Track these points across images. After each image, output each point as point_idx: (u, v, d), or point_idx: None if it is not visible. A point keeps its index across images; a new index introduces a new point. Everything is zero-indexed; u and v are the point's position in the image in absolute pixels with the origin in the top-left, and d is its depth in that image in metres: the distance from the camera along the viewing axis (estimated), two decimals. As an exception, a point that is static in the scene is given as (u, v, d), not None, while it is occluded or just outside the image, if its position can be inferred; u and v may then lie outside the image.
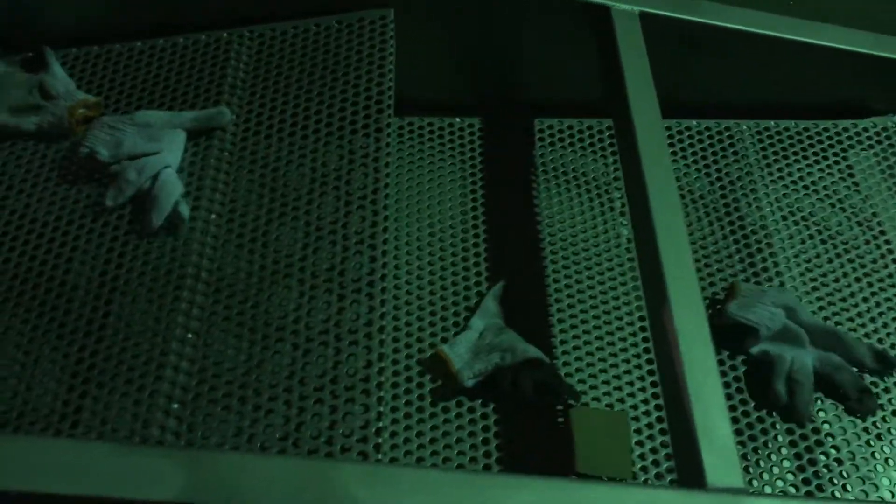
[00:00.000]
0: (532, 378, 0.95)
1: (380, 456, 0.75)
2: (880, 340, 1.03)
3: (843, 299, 1.06)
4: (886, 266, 1.10)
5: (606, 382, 0.98)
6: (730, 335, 1.00)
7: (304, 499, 0.63)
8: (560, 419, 0.95)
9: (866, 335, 1.03)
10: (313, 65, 1.07)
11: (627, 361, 1.00)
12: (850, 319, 1.04)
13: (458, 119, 1.23)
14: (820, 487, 0.91)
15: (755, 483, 0.91)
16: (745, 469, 0.92)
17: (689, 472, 0.74)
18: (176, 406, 0.78)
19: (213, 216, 0.94)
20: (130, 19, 1.12)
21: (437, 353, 0.97)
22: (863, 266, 1.09)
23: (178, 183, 0.94)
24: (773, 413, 0.96)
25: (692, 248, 1.08)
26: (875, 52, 1.17)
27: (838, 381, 0.97)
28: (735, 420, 0.95)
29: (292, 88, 1.06)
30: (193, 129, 1.00)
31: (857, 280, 1.08)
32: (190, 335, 0.83)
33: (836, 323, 1.04)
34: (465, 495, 0.65)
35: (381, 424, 0.76)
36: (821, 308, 1.05)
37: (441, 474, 0.67)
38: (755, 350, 0.99)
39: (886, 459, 0.94)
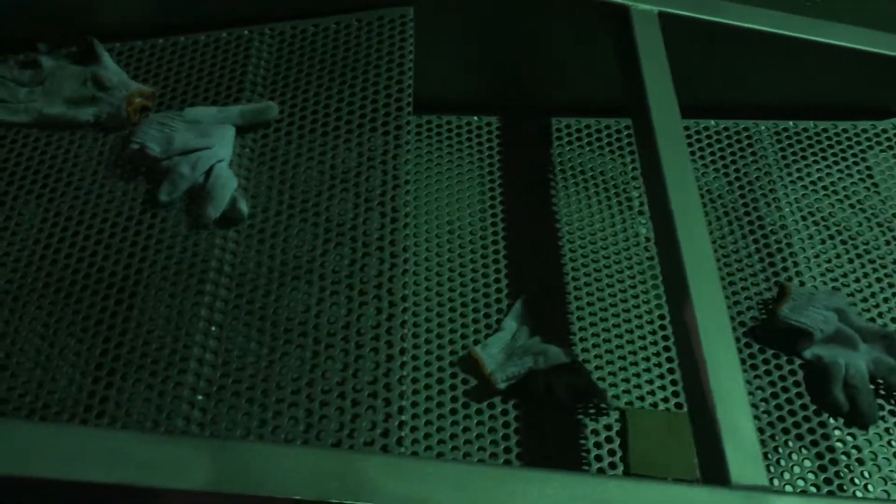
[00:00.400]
0: (566, 382, 0.95)
1: (402, 449, 0.75)
2: None
3: (864, 300, 1.06)
4: (903, 266, 1.09)
5: (626, 380, 0.98)
6: (776, 337, 1.00)
7: (330, 488, 0.63)
8: (583, 418, 0.95)
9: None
10: (333, 63, 1.08)
11: (647, 360, 1.00)
12: (872, 320, 1.04)
13: (476, 118, 1.23)
14: (841, 487, 0.91)
15: (776, 482, 0.91)
16: (767, 468, 0.92)
17: (714, 470, 0.73)
18: (200, 398, 0.78)
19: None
20: (151, 17, 1.13)
21: (470, 354, 0.97)
22: (883, 267, 1.09)
23: (233, 177, 0.95)
24: (798, 412, 0.96)
25: (711, 247, 1.08)
26: (893, 53, 1.17)
27: (893, 383, 0.96)
28: (756, 419, 0.95)
29: (312, 86, 1.06)
30: (242, 125, 1.01)
31: (878, 280, 1.08)
32: (213, 328, 0.83)
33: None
34: (489, 488, 0.65)
35: (403, 418, 0.76)
36: (840, 308, 1.05)
37: (466, 467, 0.67)
38: (808, 354, 0.99)
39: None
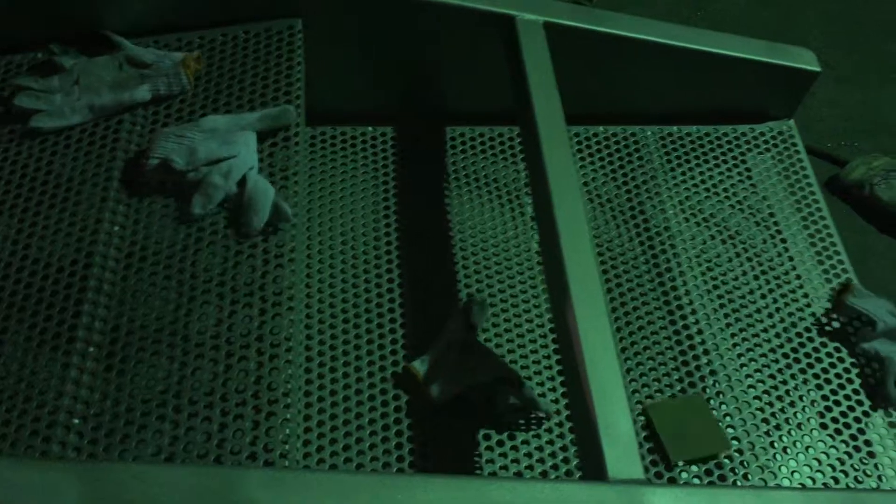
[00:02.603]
0: (507, 397, 0.96)
1: (286, 463, 0.75)
2: (777, 335, 1.07)
3: (742, 296, 1.10)
4: (783, 263, 1.14)
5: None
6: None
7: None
8: (475, 420, 0.96)
9: (764, 330, 1.07)
10: (220, 75, 1.07)
11: (538, 363, 1.02)
12: (749, 316, 1.08)
13: (370, 128, 1.24)
14: (722, 477, 0.94)
15: (664, 475, 0.94)
16: (653, 462, 0.95)
17: (592, 466, 0.76)
18: (77, 422, 0.76)
19: (117, 228, 0.92)
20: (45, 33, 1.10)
21: (408, 369, 0.97)
22: (760, 264, 1.14)
23: (268, 183, 0.94)
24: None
25: (599, 250, 1.12)
26: (770, 60, 1.23)
27: None
28: (641, 415, 0.98)
29: (198, 98, 1.05)
30: (261, 130, 1.00)
31: (756, 278, 1.12)
32: (92, 349, 0.82)
33: (736, 319, 1.08)
34: (370, 495, 0.66)
35: (287, 432, 0.76)
36: (721, 306, 1.09)
37: (345, 477, 0.67)
38: (867, 346, 1.03)
39: (784, 448, 0.98)
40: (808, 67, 1.24)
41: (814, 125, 1.87)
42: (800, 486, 0.94)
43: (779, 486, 0.93)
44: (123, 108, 1.03)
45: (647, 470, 0.94)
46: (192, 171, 0.94)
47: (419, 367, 0.98)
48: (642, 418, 0.98)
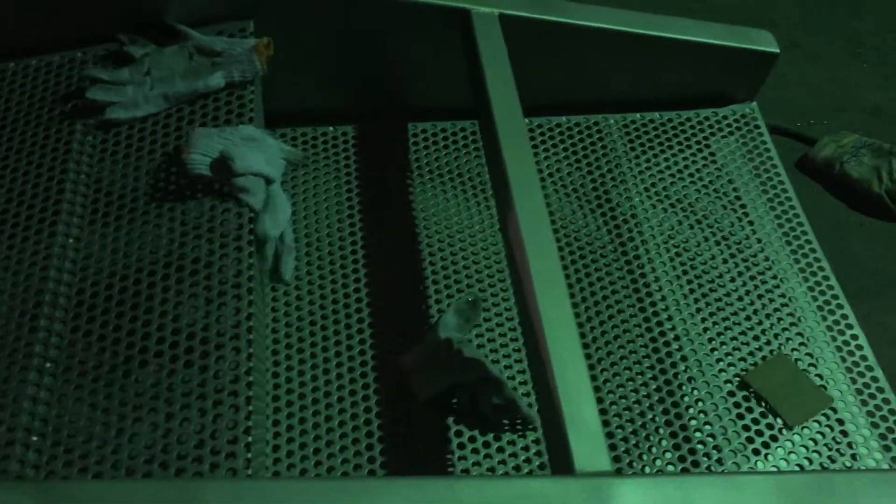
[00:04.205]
0: (492, 398, 0.95)
1: (249, 471, 0.74)
2: (748, 318, 1.07)
3: (711, 280, 1.10)
4: (751, 245, 1.14)
5: (488, 379, 0.99)
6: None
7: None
8: (457, 419, 0.95)
9: (734, 313, 1.07)
10: (175, 80, 1.05)
11: (508, 356, 1.01)
12: (719, 300, 1.08)
13: (331, 128, 1.23)
14: (695, 463, 0.94)
15: (635, 465, 0.93)
16: (626, 451, 0.95)
17: (559, 460, 0.75)
18: (35, 439, 0.75)
19: (75, 230, 0.91)
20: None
21: (395, 363, 0.97)
22: (728, 247, 1.14)
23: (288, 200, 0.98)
24: (648, 397, 0.99)
25: (567, 239, 1.11)
26: (729, 43, 1.23)
27: None
28: (612, 404, 0.98)
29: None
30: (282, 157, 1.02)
31: (724, 262, 1.12)
32: (48, 364, 0.80)
33: (706, 304, 1.08)
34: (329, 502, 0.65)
35: (249, 439, 0.75)
36: (691, 291, 1.09)
37: (305, 483, 0.66)
38: None
39: (757, 431, 0.97)
40: (768, 49, 1.24)
41: (783, 105, 1.87)
42: (774, 468, 0.94)
43: (751, 471, 0.93)
44: (197, 96, 1.02)
45: (617, 460, 0.93)
46: (236, 176, 0.94)
47: (406, 361, 0.97)
48: (742, 391, 1.00)
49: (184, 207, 0.93)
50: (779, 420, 0.98)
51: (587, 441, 0.74)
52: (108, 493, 0.62)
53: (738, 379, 1.01)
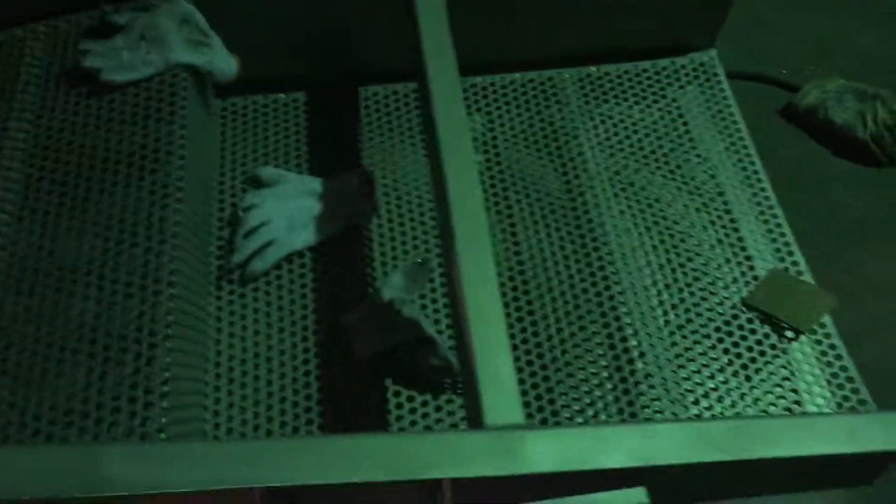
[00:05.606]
0: (429, 358, 0.96)
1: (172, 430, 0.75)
2: (705, 263, 1.06)
3: (667, 220, 1.11)
4: (710, 190, 1.14)
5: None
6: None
7: (69, 485, 0.63)
8: (398, 379, 0.97)
9: (689, 259, 1.07)
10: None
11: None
12: (675, 245, 1.08)
13: (283, 95, 1.22)
14: (633, 414, 0.94)
15: (586, 412, 0.93)
16: (577, 399, 0.94)
17: (473, 414, 0.76)
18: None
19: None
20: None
21: (338, 325, 0.98)
22: (689, 192, 1.13)
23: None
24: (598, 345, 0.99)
25: (527, 190, 1.11)
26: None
27: None
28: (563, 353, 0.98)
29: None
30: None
31: (685, 207, 1.12)
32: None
33: (662, 247, 1.07)
34: (235, 464, 0.66)
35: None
36: (644, 233, 1.09)
37: (207, 447, 0.67)
38: None
39: (697, 383, 0.97)
40: (722, -7, 1.21)
41: (768, 53, 1.84)
42: (694, 416, 0.94)
43: (666, 419, 0.93)
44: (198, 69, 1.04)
45: (537, 412, 0.93)
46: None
47: (347, 320, 0.98)
48: (747, 313, 1.02)
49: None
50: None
51: (500, 394, 0.75)
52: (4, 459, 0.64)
53: (682, 329, 1.01)
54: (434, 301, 1.02)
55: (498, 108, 1.22)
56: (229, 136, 1.17)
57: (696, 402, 0.96)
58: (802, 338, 1.00)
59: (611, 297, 1.03)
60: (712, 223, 1.10)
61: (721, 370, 0.99)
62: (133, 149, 0.97)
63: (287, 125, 1.19)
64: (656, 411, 0.94)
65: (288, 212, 1.06)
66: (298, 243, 1.04)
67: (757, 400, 0.97)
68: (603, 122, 1.21)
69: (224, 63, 1.05)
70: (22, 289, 0.86)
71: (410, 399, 0.95)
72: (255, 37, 1.18)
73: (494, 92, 1.24)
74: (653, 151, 1.17)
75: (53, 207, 0.93)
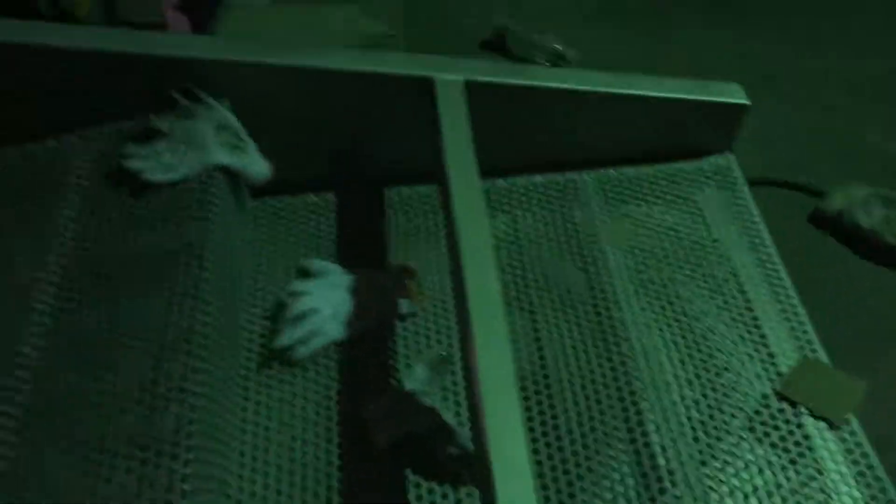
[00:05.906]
0: (446, 448, 0.97)
1: None
2: (727, 360, 1.07)
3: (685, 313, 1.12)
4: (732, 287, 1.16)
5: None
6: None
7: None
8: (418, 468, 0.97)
9: (710, 355, 1.07)
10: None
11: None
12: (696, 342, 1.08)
13: (313, 195, 1.27)
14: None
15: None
16: (597, 494, 0.94)
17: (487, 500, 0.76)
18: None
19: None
20: None
21: (360, 416, 0.99)
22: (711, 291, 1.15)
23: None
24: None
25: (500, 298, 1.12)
26: (697, 98, 1.25)
27: None
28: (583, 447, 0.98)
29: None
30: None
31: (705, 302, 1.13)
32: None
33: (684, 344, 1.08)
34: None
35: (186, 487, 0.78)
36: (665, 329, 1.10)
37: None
38: None
39: (720, 481, 0.96)
40: (736, 101, 1.26)
41: (791, 157, 1.86)
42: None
43: None
44: (229, 171, 1.09)
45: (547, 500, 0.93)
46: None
47: (369, 411, 0.99)
48: (770, 409, 1.02)
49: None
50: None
51: (514, 482, 0.75)
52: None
53: (704, 426, 1.00)
54: (456, 394, 1.03)
55: (521, 208, 1.26)
56: (262, 234, 1.22)
57: (720, 501, 0.94)
58: (828, 435, 0.99)
59: (632, 393, 1.03)
60: (734, 320, 1.11)
61: (746, 467, 0.97)
62: (169, 246, 1.01)
63: (318, 223, 1.24)
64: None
65: (334, 302, 1.09)
66: (337, 334, 1.07)
67: (784, 500, 0.95)
68: (622, 219, 1.24)
69: (258, 165, 1.11)
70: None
71: (430, 491, 0.95)
72: (287, 142, 1.24)
73: (517, 193, 1.28)
74: (675, 251, 1.19)
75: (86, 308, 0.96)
